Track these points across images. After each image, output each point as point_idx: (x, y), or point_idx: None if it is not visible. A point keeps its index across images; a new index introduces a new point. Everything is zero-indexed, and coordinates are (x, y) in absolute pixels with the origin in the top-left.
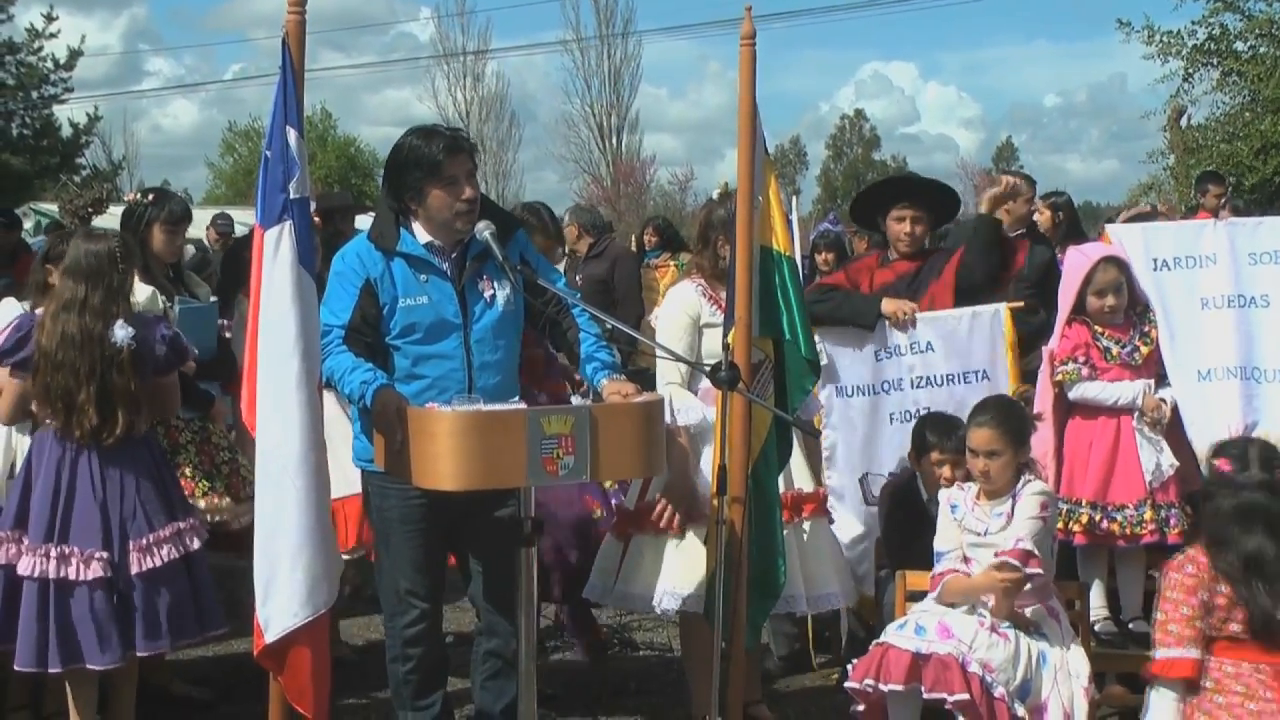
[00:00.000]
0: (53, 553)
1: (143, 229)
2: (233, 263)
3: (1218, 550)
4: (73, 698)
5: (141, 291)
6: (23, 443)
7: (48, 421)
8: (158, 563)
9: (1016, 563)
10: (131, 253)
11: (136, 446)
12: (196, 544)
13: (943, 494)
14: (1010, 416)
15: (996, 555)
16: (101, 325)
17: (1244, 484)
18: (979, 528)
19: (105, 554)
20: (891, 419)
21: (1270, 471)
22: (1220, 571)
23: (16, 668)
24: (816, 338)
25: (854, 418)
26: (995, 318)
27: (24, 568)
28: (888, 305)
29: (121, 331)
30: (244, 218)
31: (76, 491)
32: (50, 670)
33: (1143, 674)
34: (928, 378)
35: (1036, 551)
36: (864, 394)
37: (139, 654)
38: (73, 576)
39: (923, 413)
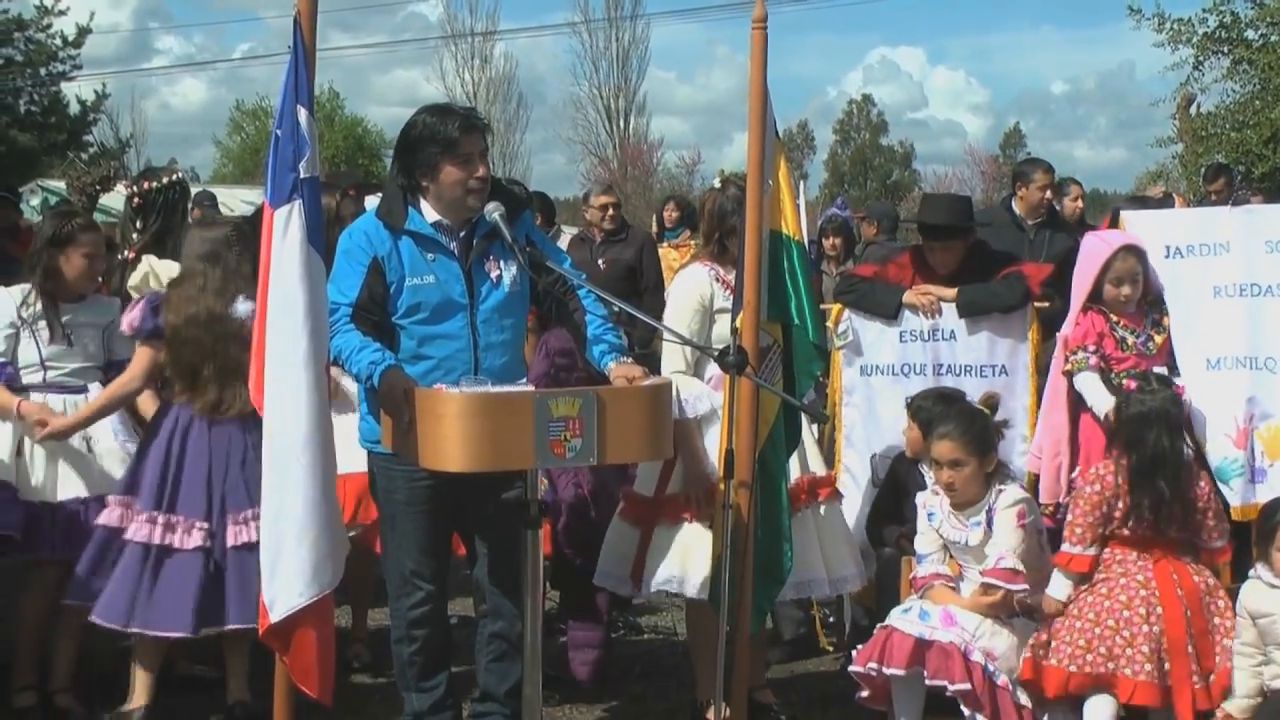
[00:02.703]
0: (159, 519)
1: (185, 209)
2: None
3: (1131, 450)
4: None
5: (174, 270)
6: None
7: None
8: (253, 538)
9: (1000, 583)
10: (245, 235)
11: (247, 422)
12: None
13: (919, 498)
14: (972, 426)
15: (981, 574)
16: (223, 304)
17: (1150, 394)
18: (957, 538)
19: (206, 525)
20: (909, 403)
21: (1168, 386)
22: (1130, 470)
23: (96, 619)
24: (846, 313)
25: (873, 398)
26: (1023, 315)
27: (130, 532)
28: (913, 294)
29: (244, 306)
30: (252, 197)
31: (186, 462)
32: (130, 629)
33: (1054, 561)
34: (949, 366)
35: (1020, 566)
36: (884, 374)
37: (232, 626)
38: (175, 544)
39: None
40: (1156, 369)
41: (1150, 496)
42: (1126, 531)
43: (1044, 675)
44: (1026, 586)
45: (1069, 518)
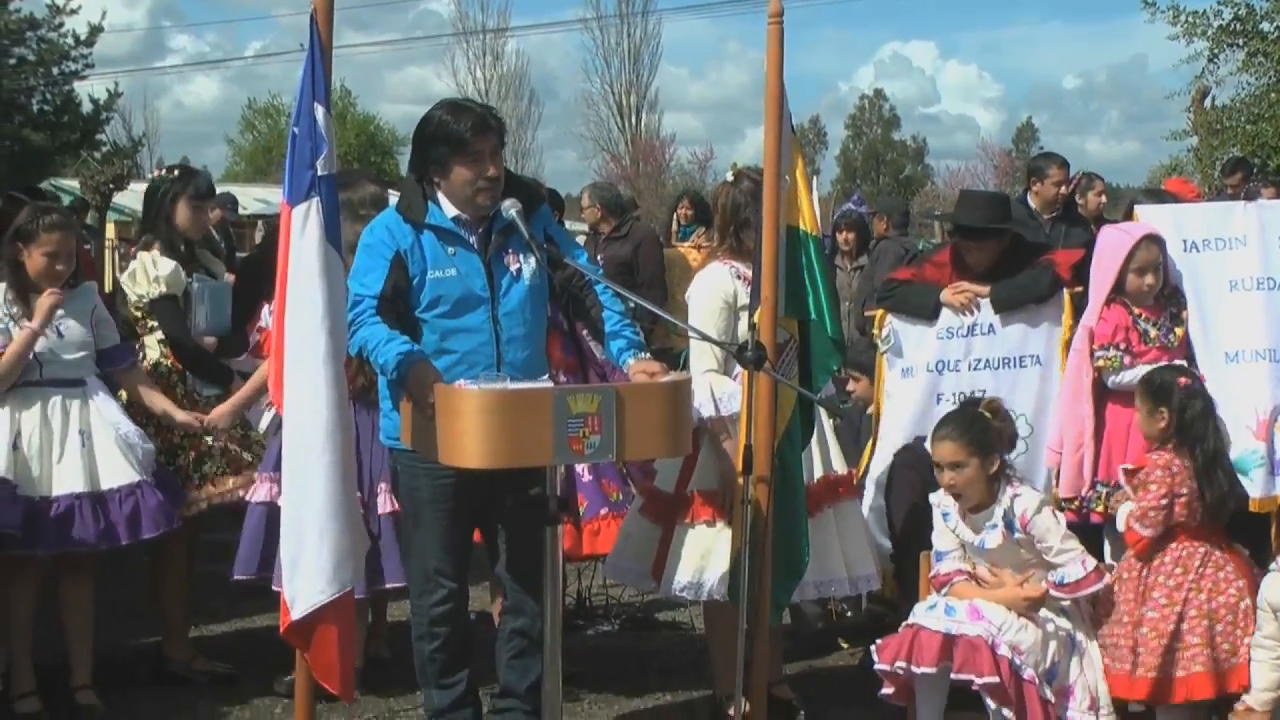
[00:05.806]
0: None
1: (167, 204)
2: (254, 271)
3: (1194, 446)
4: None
5: (164, 266)
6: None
7: None
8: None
9: (1092, 588)
10: None
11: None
12: None
13: (933, 498)
14: (971, 428)
15: (1048, 585)
16: None
17: (1201, 391)
18: (972, 539)
19: (359, 494)
20: (940, 399)
21: (1194, 378)
22: (1197, 465)
23: (236, 575)
24: (889, 319)
25: (909, 397)
26: (1056, 303)
27: (251, 494)
28: (950, 293)
29: None
30: (264, 195)
31: None
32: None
33: (1126, 539)
34: (986, 360)
35: (1092, 560)
36: (924, 371)
37: (389, 585)
38: None
39: (978, 395)
40: (1177, 362)
41: (1214, 489)
42: (1192, 522)
43: (1136, 684)
44: (1107, 578)
45: (1140, 503)
